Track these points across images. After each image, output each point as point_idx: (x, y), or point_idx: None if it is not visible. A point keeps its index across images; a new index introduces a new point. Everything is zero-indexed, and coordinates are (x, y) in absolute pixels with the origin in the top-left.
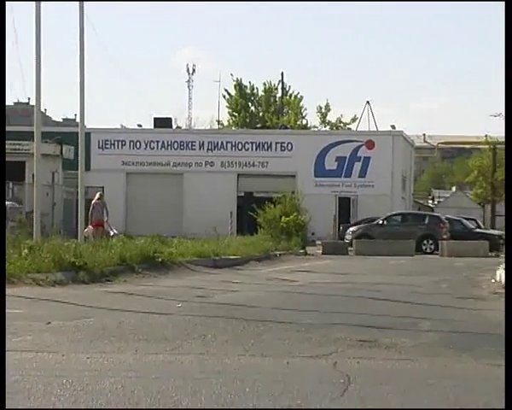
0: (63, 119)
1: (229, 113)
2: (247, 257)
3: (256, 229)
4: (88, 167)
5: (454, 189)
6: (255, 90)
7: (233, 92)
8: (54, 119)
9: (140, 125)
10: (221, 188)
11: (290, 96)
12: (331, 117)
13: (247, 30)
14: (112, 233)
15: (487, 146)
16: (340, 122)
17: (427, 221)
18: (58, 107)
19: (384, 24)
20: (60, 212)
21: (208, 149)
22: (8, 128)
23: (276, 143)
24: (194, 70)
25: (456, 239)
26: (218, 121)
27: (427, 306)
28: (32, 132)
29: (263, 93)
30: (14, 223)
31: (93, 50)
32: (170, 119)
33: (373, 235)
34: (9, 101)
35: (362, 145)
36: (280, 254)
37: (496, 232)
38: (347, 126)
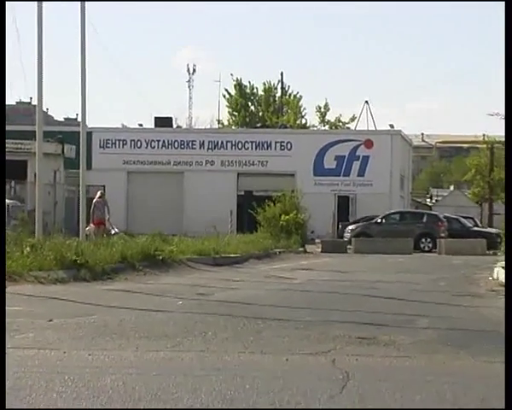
0: (65, 118)
1: (229, 112)
2: (247, 255)
3: (256, 227)
4: (89, 166)
5: (452, 187)
6: (255, 90)
7: (233, 92)
8: (55, 118)
9: (141, 125)
10: (221, 187)
11: (289, 95)
12: (330, 116)
13: (247, 30)
14: (113, 232)
15: (485, 145)
16: (339, 122)
17: (425, 220)
18: (60, 106)
19: (383, 24)
20: (61, 210)
21: (208, 149)
22: (10, 127)
23: (276, 143)
24: (194, 70)
25: (454, 237)
26: (219, 121)
27: (425, 303)
28: (34, 132)
29: (262, 93)
30: (16, 221)
31: (93, 50)
32: (170, 118)
33: (371, 233)
34: (12, 100)
35: (360, 144)
36: (279, 253)
37: (493, 231)
38: (346, 126)
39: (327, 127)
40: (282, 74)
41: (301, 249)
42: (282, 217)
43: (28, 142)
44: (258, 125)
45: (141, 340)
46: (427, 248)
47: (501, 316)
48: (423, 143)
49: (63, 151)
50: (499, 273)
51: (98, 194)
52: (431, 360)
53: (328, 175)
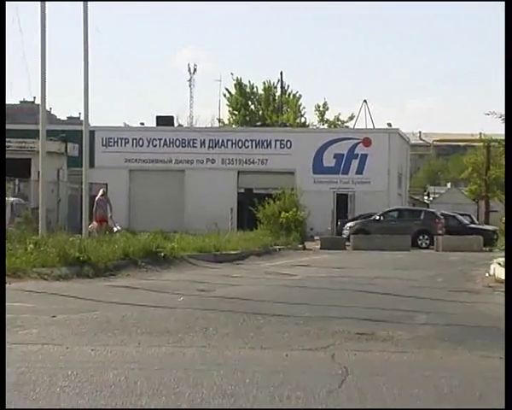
0: (68, 117)
1: (229, 111)
2: (247, 252)
3: (256, 224)
4: (92, 164)
5: (449, 185)
6: (255, 89)
7: (233, 91)
8: (58, 117)
9: (143, 124)
10: (222, 184)
11: (289, 94)
12: (329, 115)
13: (247, 30)
14: (115, 229)
15: (481, 144)
16: (338, 120)
17: (422, 217)
18: (63, 105)
19: (382, 24)
20: (64, 208)
21: (209, 147)
22: (13, 126)
23: (276, 141)
24: (195, 69)
25: (451, 234)
26: (219, 119)
27: (422, 299)
28: (38, 130)
29: (262, 92)
30: (20, 219)
31: (95, 50)
32: (172, 117)
33: (370, 230)
34: (15, 100)
35: (359, 143)
36: (279, 249)
37: (490, 228)
38: (345, 124)
39: (326, 126)
40: (281, 74)
41: (300, 246)
42: (282, 214)
43: (32, 140)
44: (258, 123)
45: (143, 335)
46: (424, 245)
47: (497, 312)
48: (421, 142)
49: (66, 150)
50: (496, 270)
51: (100, 192)
52: (429, 355)
53: (327, 173)
